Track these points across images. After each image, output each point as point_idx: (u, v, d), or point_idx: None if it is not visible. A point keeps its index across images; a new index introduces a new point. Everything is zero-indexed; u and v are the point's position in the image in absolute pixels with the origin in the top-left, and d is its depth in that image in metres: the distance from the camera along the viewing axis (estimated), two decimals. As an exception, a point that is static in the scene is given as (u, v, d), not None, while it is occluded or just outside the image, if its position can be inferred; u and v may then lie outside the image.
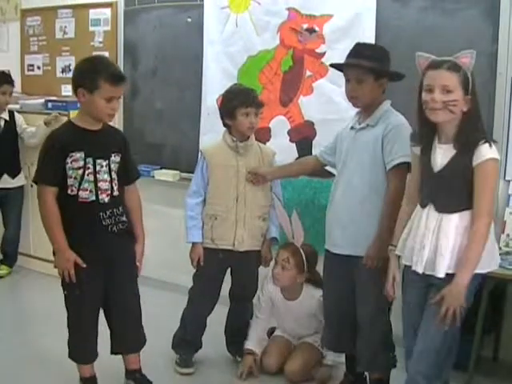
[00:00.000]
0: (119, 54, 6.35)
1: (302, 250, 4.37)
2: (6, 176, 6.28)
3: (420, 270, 3.24)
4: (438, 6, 4.61)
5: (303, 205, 5.15)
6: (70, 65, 6.79)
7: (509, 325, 4.65)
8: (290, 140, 5.27)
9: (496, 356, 4.71)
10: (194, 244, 4.42)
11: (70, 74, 6.59)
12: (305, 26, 5.09)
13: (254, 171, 4.33)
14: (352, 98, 3.86)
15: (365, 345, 3.90)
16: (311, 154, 5.08)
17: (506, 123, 4.48)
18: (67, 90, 6.75)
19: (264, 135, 5.34)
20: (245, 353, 4.48)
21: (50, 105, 6.35)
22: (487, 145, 3.06)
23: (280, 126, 5.29)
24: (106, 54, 6.39)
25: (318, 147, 5.04)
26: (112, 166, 3.69)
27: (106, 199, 3.67)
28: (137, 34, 6.20)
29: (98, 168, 3.63)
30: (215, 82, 5.65)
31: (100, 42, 6.52)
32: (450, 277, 3.12)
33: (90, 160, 3.60)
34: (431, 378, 3.25)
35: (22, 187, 6.44)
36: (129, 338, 3.95)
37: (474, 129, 3.12)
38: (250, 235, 4.42)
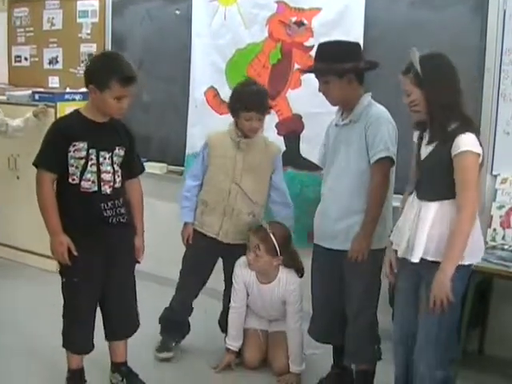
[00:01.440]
0: (107, 46, 6.32)
1: (272, 235, 4.29)
2: None
3: (399, 255, 3.38)
4: (426, 0, 4.62)
5: (291, 198, 5.13)
6: (57, 56, 6.77)
7: (494, 319, 4.67)
8: (278, 133, 5.27)
9: (482, 350, 4.73)
10: (185, 223, 4.55)
11: (57, 66, 6.72)
12: (293, 19, 5.09)
13: None
14: (325, 98, 3.95)
15: (351, 338, 3.95)
16: (299, 147, 5.11)
17: (494, 118, 4.50)
18: (54, 82, 6.75)
19: (252, 128, 5.34)
20: (225, 349, 4.51)
21: (36, 96, 6.31)
22: (465, 136, 3.12)
23: (268, 119, 5.22)
24: (94, 45, 6.42)
25: (306, 141, 5.08)
26: (115, 158, 3.69)
27: (108, 190, 3.66)
28: (125, 26, 6.19)
29: (101, 160, 3.63)
30: (203, 74, 5.65)
31: (88, 34, 6.50)
32: (430, 263, 3.21)
33: (93, 151, 3.60)
34: (433, 367, 3.33)
35: None
36: (122, 324, 3.96)
37: (442, 119, 3.20)
38: (236, 230, 4.45)
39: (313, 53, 4.86)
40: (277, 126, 5.27)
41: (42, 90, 6.49)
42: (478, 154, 3.14)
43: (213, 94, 5.59)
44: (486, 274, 4.06)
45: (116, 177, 3.70)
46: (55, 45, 6.79)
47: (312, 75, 4.90)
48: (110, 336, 3.99)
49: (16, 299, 5.41)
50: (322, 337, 4.23)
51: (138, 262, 3.98)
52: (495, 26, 4.40)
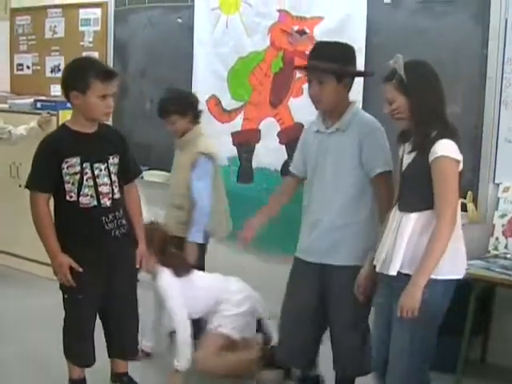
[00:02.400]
0: (109, 54, 6.35)
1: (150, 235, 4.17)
2: None
3: (377, 269, 3.22)
4: (428, 8, 4.63)
5: (292, 206, 5.13)
6: (59, 65, 6.78)
7: (497, 327, 4.66)
8: (280, 142, 5.27)
9: (484, 358, 4.71)
10: None
11: (60, 74, 6.60)
12: (295, 27, 5.10)
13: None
14: (315, 101, 3.63)
15: (348, 352, 3.72)
16: (301, 155, 5.08)
17: (496, 127, 4.49)
18: (56, 90, 6.72)
19: (253, 137, 5.36)
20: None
21: (39, 104, 6.32)
22: (443, 141, 2.99)
23: (269, 127, 5.29)
24: (96, 54, 6.41)
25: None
26: (111, 168, 3.60)
27: (108, 203, 3.57)
28: (127, 35, 6.20)
29: (96, 172, 3.53)
30: (205, 82, 5.66)
31: (90, 42, 6.52)
32: (403, 277, 3.06)
33: (87, 165, 3.50)
34: (405, 380, 3.19)
35: None
36: (126, 344, 3.89)
37: (426, 127, 3.06)
38: (171, 222, 4.54)
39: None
40: (278, 134, 5.28)
41: (44, 98, 6.50)
42: (457, 161, 3.00)
43: (215, 102, 5.60)
44: (488, 283, 4.06)
45: (114, 187, 3.62)
46: (57, 53, 6.81)
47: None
48: (111, 353, 3.92)
49: (18, 308, 5.40)
50: (294, 360, 3.95)
51: (139, 270, 3.90)
52: (497, 35, 4.40)
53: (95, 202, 3.53)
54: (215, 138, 5.49)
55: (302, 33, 5.07)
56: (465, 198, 4.55)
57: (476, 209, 4.57)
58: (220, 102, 5.59)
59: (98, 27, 6.43)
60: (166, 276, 4.23)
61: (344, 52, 3.64)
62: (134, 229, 3.80)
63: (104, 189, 3.56)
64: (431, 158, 2.98)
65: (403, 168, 3.19)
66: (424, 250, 2.98)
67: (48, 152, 3.51)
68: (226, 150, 5.51)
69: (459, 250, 3.12)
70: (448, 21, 4.57)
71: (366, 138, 3.54)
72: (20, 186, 6.31)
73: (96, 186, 3.53)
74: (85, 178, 3.50)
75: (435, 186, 2.98)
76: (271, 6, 5.21)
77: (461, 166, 3.03)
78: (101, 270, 3.60)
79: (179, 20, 5.80)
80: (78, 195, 3.50)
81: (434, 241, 2.96)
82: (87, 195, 3.51)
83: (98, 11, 6.40)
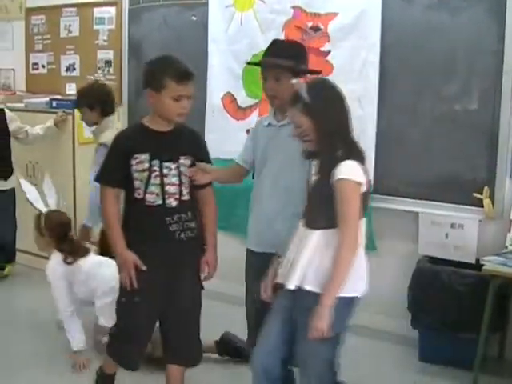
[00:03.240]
0: (123, 52, 6.34)
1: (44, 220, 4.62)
2: None
3: (279, 280, 3.24)
4: (443, 3, 4.60)
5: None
6: (74, 63, 6.80)
7: (515, 324, 4.65)
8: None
9: (502, 355, 4.70)
10: None
11: (75, 73, 6.74)
12: (309, 24, 5.08)
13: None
14: (271, 96, 3.75)
15: None
16: (316, 151, 5.07)
17: (512, 122, 4.48)
18: (72, 89, 6.74)
19: (269, 134, 5.34)
20: None
21: (54, 103, 6.34)
22: (344, 163, 2.99)
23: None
24: (111, 52, 6.43)
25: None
26: (182, 169, 3.49)
27: (174, 203, 3.45)
28: (141, 33, 6.19)
29: (165, 171, 3.44)
30: (220, 80, 5.65)
31: (104, 41, 6.52)
32: (305, 292, 3.09)
33: (156, 162, 3.41)
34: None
35: (12, 190, 6.17)
36: (185, 352, 3.71)
37: (329, 147, 3.06)
38: None
39: (329, 58, 4.94)
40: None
41: (59, 97, 6.52)
42: (358, 183, 2.99)
43: (230, 99, 5.59)
44: (505, 279, 4.04)
45: (183, 189, 3.49)
46: (72, 52, 6.81)
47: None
48: (169, 358, 3.75)
49: (44, 308, 5.40)
50: None
51: (204, 280, 3.70)
52: (514, 29, 4.39)
53: (160, 201, 3.43)
54: (230, 135, 5.52)
55: (316, 29, 5.05)
56: (481, 194, 4.55)
57: (493, 205, 4.55)
58: (235, 99, 5.58)
59: (112, 26, 6.43)
60: (52, 262, 4.57)
61: (298, 50, 3.82)
62: (206, 235, 3.66)
63: (171, 189, 3.45)
64: (333, 179, 2.98)
65: (310, 186, 3.22)
66: (330, 272, 3.00)
67: (118, 147, 3.48)
68: (241, 147, 5.47)
69: (360, 268, 3.12)
70: (463, 16, 4.54)
71: None
72: (36, 185, 6.35)
73: (163, 184, 3.43)
74: (152, 175, 3.41)
75: (337, 207, 2.99)
76: (285, 2, 5.19)
77: (363, 187, 3.02)
78: (162, 272, 3.48)
79: (194, 18, 5.79)
80: (145, 193, 3.42)
81: (337, 265, 2.98)
82: (153, 193, 3.41)
83: (112, 10, 6.39)
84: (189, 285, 3.59)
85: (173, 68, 3.37)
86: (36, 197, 4.77)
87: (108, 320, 4.20)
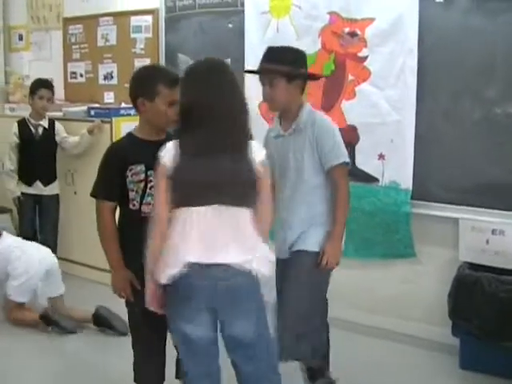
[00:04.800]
0: (160, 60, 6.35)
1: None
2: (38, 182, 6.28)
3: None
4: (481, 6, 4.53)
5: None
6: (111, 72, 6.84)
7: None
8: (333, 145, 5.21)
9: None
10: None
11: (112, 81, 6.77)
12: (346, 29, 5.04)
13: None
14: (268, 101, 3.87)
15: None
16: (354, 159, 5.04)
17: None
18: (109, 97, 6.81)
19: (306, 140, 5.32)
20: None
21: (92, 112, 6.39)
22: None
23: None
24: (148, 60, 6.44)
25: (361, 152, 5.03)
26: None
27: None
28: (178, 41, 6.20)
29: None
30: (257, 87, 5.60)
31: (141, 49, 6.55)
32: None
33: (151, 173, 3.33)
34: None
35: (56, 196, 6.42)
36: None
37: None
38: None
39: (367, 63, 4.91)
40: (332, 137, 5.22)
41: (97, 105, 6.57)
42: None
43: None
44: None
45: None
46: (110, 60, 6.86)
47: (367, 87, 4.94)
48: (180, 374, 3.73)
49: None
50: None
51: None
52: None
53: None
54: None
55: (353, 35, 5.01)
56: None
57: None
58: (272, 107, 5.55)
59: (149, 34, 6.46)
60: None
61: (293, 55, 3.87)
62: None
63: None
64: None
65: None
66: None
67: (113, 159, 3.44)
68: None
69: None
70: (502, 18, 4.47)
71: (321, 135, 3.76)
72: (75, 193, 6.42)
73: None
74: (148, 186, 3.39)
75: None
76: (321, 8, 5.15)
77: (165, 168, 3.00)
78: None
79: (230, 25, 5.80)
80: (141, 204, 3.41)
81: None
82: (149, 204, 3.37)
83: (149, 18, 6.42)
84: None
85: (163, 74, 3.43)
86: None
87: (17, 297, 5.28)
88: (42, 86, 6.17)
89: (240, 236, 3.02)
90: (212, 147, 2.97)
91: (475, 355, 4.45)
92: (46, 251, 5.54)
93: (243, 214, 3.01)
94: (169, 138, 3.41)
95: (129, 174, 3.39)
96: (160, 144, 3.33)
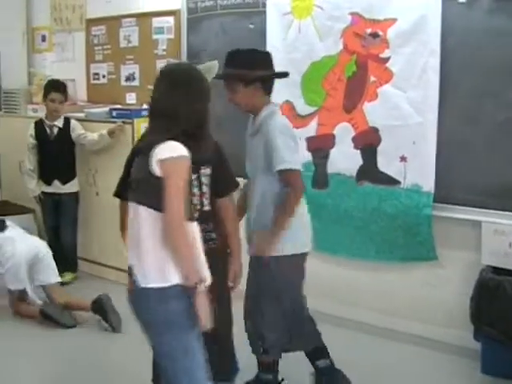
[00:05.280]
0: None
1: None
2: (56, 181, 6.40)
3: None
4: (503, 7, 4.47)
5: (368, 212, 5.08)
6: (134, 73, 6.85)
7: None
8: (355, 147, 5.18)
9: None
10: None
11: (134, 83, 6.80)
12: (368, 30, 5.00)
13: None
14: (234, 104, 3.95)
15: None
16: (376, 161, 5.03)
17: None
18: (131, 98, 6.81)
19: (328, 142, 5.30)
20: None
21: (114, 113, 6.40)
22: None
23: (344, 132, 5.21)
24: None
25: (383, 154, 4.99)
26: (202, 179, 3.51)
27: (196, 214, 3.35)
28: (200, 42, 6.19)
29: None
30: (279, 88, 5.54)
31: (163, 50, 6.54)
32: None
33: None
34: None
35: (75, 194, 6.54)
36: (224, 363, 3.72)
37: None
38: None
39: (389, 64, 4.87)
40: (353, 139, 5.19)
41: (119, 106, 6.57)
42: None
43: (288, 107, 5.53)
44: None
45: (204, 199, 3.51)
46: (132, 62, 6.86)
47: (389, 88, 4.90)
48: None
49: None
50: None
51: (229, 298, 3.75)
52: None
53: None
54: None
55: (375, 35, 4.97)
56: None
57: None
58: (294, 108, 5.52)
59: (171, 35, 6.45)
60: None
61: (250, 58, 3.91)
62: (230, 245, 3.66)
63: (192, 200, 3.42)
64: None
65: None
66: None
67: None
68: (300, 155, 5.44)
69: None
70: (526, 19, 4.43)
71: (270, 138, 3.75)
72: (97, 193, 6.44)
73: None
74: None
75: None
76: (343, 8, 5.11)
77: None
78: None
79: (251, 26, 5.77)
80: None
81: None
82: None
83: (170, 19, 6.41)
84: (214, 295, 3.45)
85: None
86: None
87: (9, 284, 5.43)
88: (52, 89, 6.24)
89: (134, 237, 3.00)
90: (140, 146, 3.12)
91: (497, 360, 4.40)
92: (36, 240, 5.75)
93: (142, 213, 2.97)
94: None
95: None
96: None
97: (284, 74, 4.09)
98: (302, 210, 3.91)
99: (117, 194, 3.50)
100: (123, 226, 3.37)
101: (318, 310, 4.45)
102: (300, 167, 3.81)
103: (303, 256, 3.95)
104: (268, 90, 3.90)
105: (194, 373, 3.00)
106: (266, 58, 3.94)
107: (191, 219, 3.02)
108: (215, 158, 3.57)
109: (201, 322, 2.91)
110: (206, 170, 3.53)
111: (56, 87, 6.29)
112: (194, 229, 3.04)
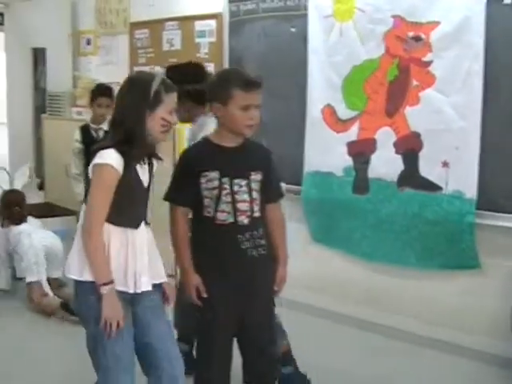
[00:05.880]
0: (224, 65, 6.34)
1: None
2: None
3: (149, 286, 3.24)
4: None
5: (409, 218, 5.00)
6: (176, 76, 6.83)
7: None
8: (396, 152, 5.10)
9: None
10: None
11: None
12: (410, 33, 4.91)
13: None
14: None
15: None
16: (417, 166, 4.94)
17: None
18: (174, 102, 6.81)
19: (369, 147, 5.23)
20: None
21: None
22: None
23: (385, 137, 5.13)
24: (212, 65, 6.43)
25: (425, 159, 4.92)
26: (253, 185, 3.38)
27: (246, 221, 3.34)
28: (241, 45, 6.18)
29: (236, 188, 3.32)
30: (320, 92, 5.55)
31: (206, 54, 6.55)
32: None
33: (226, 180, 3.29)
34: None
35: None
36: (262, 370, 3.59)
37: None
38: None
39: (431, 68, 4.78)
40: (395, 144, 5.10)
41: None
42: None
43: (329, 112, 5.48)
44: None
45: (254, 205, 3.39)
46: (174, 65, 6.85)
47: (432, 92, 4.81)
48: (249, 379, 3.63)
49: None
50: None
51: (277, 293, 3.61)
52: None
53: (232, 219, 3.32)
54: (330, 148, 5.43)
55: (417, 39, 4.88)
56: None
57: None
58: (335, 112, 5.46)
59: (213, 38, 6.46)
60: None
61: (178, 72, 4.07)
62: (276, 251, 3.56)
63: (242, 206, 3.34)
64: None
65: (146, 184, 3.26)
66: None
67: (186, 165, 3.40)
68: (341, 160, 5.41)
69: None
70: None
71: None
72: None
73: (234, 202, 3.32)
74: (223, 193, 3.30)
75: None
76: (385, 11, 5.03)
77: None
78: (234, 291, 3.38)
79: (293, 29, 5.72)
80: (215, 211, 3.33)
81: None
82: (224, 211, 3.31)
83: (213, 23, 6.41)
84: (262, 302, 3.50)
85: (238, 77, 3.31)
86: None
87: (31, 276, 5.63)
88: (100, 94, 6.24)
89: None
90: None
91: (540, 372, 4.30)
92: (51, 234, 6.08)
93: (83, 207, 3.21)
94: (246, 145, 3.41)
95: (203, 180, 3.31)
96: (237, 150, 3.36)
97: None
98: None
99: (180, 201, 3.45)
100: (181, 232, 3.44)
101: (357, 316, 4.44)
102: None
103: None
104: (198, 100, 4.05)
105: (111, 372, 3.12)
106: (197, 72, 4.21)
107: (133, 226, 3.16)
108: (265, 163, 3.49)
109: (102, 322, 3.05)
110: (257, 176, 3.40)
111: (103, 92, 6.30)
112: (136, 235, 3.18)
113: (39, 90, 8.07)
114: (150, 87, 3.08)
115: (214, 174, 3.29)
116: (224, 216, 3.31)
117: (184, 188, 3.37)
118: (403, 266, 5.13)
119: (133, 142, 3.08)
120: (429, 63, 4.84)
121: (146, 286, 3.19)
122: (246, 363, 3.58)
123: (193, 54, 6.62)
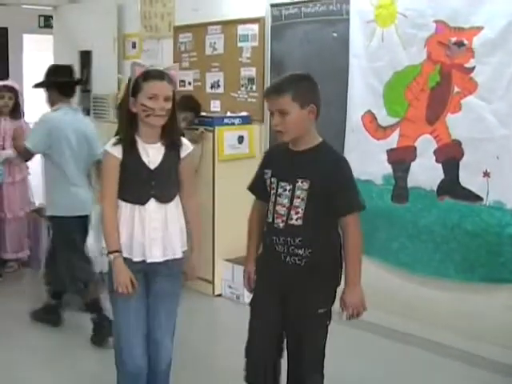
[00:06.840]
0: (266, 69, 6.30)
1: None
2: None
3: (160, 259, 3.53)
4: None
5: (448, 229, 4.87)
6: (218, 80, 6.84)
7: None
8: (436, 160, 4.98)
9: None
10: None
11: (219, 90, 6.80)
12: (453, 39, 4.79)
13: None
14: None
15: None
16: (458, 175, 4.82)
17: None
18: (216, 106, 6.83)
19: (409, 155, 5.13)
20: None
21: (196, 120, 6.34)
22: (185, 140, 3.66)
23: (426, 145, 5.02)
24: (253, 69, 6.40)
25: (466, 168, 4.79)
26: (297, 192, 3.28)
27: (281, 225, 3.31)
28: (283, 49, 6.12)
29: (280, 190, 3.33)
30: (361, 97, 5.46)
31: (248, 58, 6.49)
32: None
33: (274, 180, 3.36)
34: None
35: None
36: (305, 376, 3.47)
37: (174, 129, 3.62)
38: None
39: (473, 75, 4.66)
40: (435, 152, 4.99)
41: (203, 113, 6.53)
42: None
43: (370, 118, 5.38)
44: None
45: (292, 212, 3.29)
46: (217, 69, 6.85)
47: (474, 99, 4.68)
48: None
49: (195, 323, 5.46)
50: None
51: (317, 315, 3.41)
52: None
53: (270, 219, 3.37)
54: (370, 155, 5.33)
55: (460, 44, 4.75)
56: None
57: None
58: (375, 118, 5.36)
59: (255, 43, 6.39)
60: None
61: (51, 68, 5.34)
62: (346, 270, 3.38)
63: (280, 209, 3.32)
64: (185, 152, 3.61)
65: (153, 166, 3.52)
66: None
67: (262, 160, 3.58)
68: (380, 168, 5.30)
69: None
70: None
71: None
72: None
73: (275, 203, 3.35)
74: (271, 192, 3.38)
75: (188, 173, 3.71)
76: (428, 16, 4.92)
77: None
78: (273, 293, 3.40)
79: (334, 34, 5.64)
80: (268, 208, 3.41)
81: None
82: (268, 209, 3.39)
83: (255, 27, 6.35)
84: (297, 311, 3.37)
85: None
86: None
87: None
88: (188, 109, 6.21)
89: None
90: None
91: None
92: None
93: None
94: (314, 151, 3.34)
95: (266, 176, 3.45)
96: (298, 154, 3.35)
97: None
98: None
99: (254, 193, 3.62)
100: (250, 224, 3.63)
101: (395, 328, 4.32)
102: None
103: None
104: (64, 93, 5.14)
105: (122, 337, 3.56)
106: (66, 69, 5.29)
107: (138, 202, 3.49)
108: (327, 175, 3.27)
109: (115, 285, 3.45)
110: (303, 184, 3.28)
111: (191, 107, 6.30)
112: (145, 211, 3.49)
113: (85, 92, 8.10)
114: (134, 77, 3.42)
115: (268, 173, 3.42)
116: (269, 214, 3.40)
117: (258, 182, 3.53)
118: (442, 278, 5.00)
119: (127, 127, 3.47)
120: (471, 69, 4.72)
121: (155, 258, 3.52)
122: (288, 373, 3.53)
123: (235, 58, 6.60)
